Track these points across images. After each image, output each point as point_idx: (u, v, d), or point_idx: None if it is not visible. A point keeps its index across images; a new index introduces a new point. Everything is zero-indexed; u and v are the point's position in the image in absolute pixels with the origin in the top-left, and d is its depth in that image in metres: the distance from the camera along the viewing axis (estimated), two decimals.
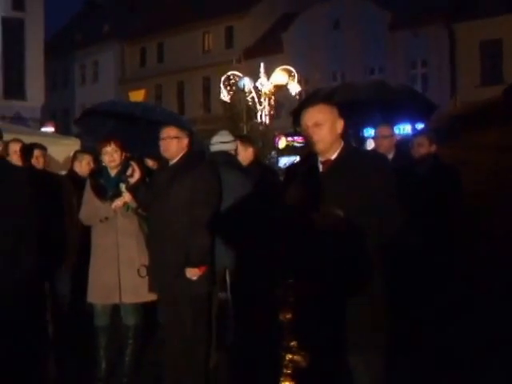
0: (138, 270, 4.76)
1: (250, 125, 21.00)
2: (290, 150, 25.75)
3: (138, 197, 4.69)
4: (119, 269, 4.81)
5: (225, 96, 21.73)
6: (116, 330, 5.08)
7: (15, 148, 5.94)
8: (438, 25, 28.05)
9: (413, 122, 7.63)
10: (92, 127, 5.38)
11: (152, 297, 4.77)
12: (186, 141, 4.58)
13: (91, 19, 47.49)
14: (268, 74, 21.89)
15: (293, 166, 7.25)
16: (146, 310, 5.03)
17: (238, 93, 21.87)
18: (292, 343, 5.80)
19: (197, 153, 4.83)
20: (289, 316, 6.58)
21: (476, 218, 6.24)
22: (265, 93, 21.24)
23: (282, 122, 25.60)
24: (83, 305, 6.05)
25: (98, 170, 5.09)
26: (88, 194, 4.97)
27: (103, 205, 4.84)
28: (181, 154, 4.57)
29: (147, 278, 4.73)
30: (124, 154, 4.86)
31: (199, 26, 39.43)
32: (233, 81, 21.59)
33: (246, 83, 21.00)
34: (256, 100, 21.16)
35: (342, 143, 3.47)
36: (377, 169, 3.40)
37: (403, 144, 6.10)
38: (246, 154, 5.86)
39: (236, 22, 38.05)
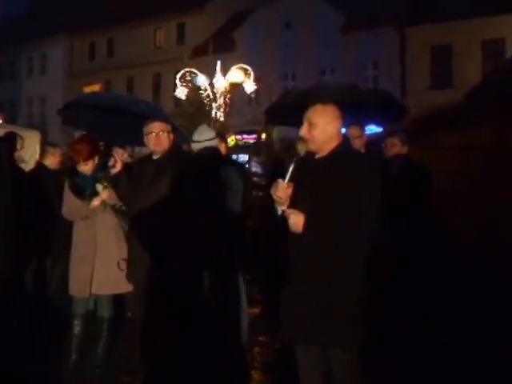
0: (118, 263, 4.78)
1: (206, 123, 20.95)
2: (239, 148, 25.84)
3: (120, 189, 4.66)
4: (94, 262, 4.82)
5: (180, 93, 21.58)
6: (89, 322, 5.09)
7: None
8: (390, 28, 28.53)
9: (382, 124, 7.82)
10: (73, 118, 5.34)
11: (127, 289, 4.78)
12: (172, 135, 4.60)
13: (41, 12, 46.62)
14: (221, 72, 21.86)
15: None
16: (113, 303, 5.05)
17: (193, 90, 21.77)
18: (260, 338, 5.89)
19: (180, 148, 4.85)
20: (257, 311, 6.68)
21: (439, 216, 6.45)
22: (220, 91, 21.21)
23: (234, 120, 25.70)
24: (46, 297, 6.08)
25: (73, 170, 4.99)
26: (67, 193, 4.96)
27: (82, 204, 4.85)
28: (167, 149, 4.57)
29: (125, 271, 4.74)
30: (97, 157, 4.81)
31: (151, 21, 39.19)
32: (188, 78, 21.47)
33: (202, 81, 20.93)
34: (211, 97, 21.12)
35: (337, 143, 3.56)
36: (360, 170, 3.47)
37: (374, 144, 6.24)
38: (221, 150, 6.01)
39: (188, 19, 37.94)
